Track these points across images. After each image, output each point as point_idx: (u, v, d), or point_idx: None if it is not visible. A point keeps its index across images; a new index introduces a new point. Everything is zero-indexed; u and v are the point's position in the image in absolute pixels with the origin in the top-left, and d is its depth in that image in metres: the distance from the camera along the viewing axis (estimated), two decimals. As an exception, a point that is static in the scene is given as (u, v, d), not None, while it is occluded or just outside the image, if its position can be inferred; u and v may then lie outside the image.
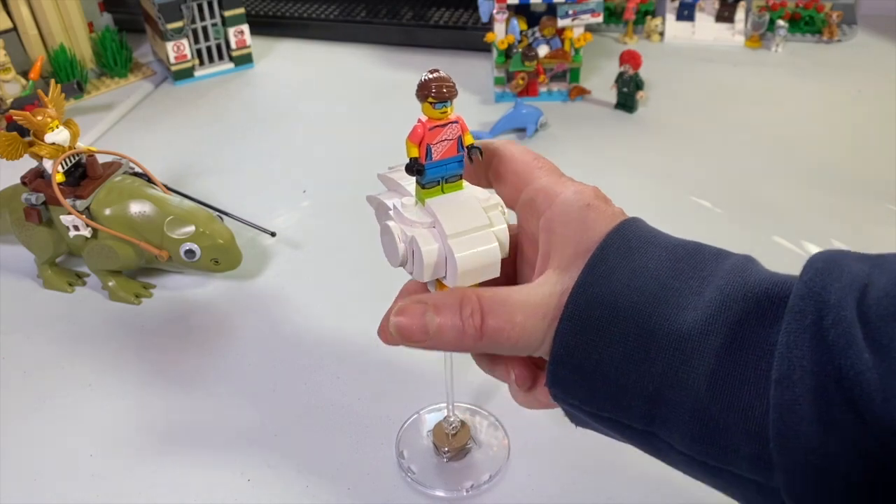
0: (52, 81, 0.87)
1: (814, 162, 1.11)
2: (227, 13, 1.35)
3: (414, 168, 0.47)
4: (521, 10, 1.25)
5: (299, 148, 1.18)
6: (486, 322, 0.42)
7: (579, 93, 1.28)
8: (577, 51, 1.25)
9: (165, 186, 0.91)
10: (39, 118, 0.82)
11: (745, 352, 0.37)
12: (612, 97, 1.26)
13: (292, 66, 1.44)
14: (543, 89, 1.29)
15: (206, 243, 0.84)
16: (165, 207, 0.85)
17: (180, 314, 0.87)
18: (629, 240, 0.44)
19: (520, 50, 1.24)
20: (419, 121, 0.47)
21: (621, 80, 1.23)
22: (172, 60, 1.34)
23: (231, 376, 0.79)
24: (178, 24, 1.31)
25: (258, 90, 1.36)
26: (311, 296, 0.89)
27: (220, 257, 0.86)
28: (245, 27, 1.38)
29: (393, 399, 0.75)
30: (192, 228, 0.84)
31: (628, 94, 1.23)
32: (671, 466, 0.42)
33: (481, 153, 0.48)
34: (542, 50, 1.25)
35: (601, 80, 1.30)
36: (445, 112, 0.46)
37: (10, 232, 0.91)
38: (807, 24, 1.47)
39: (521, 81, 1.26)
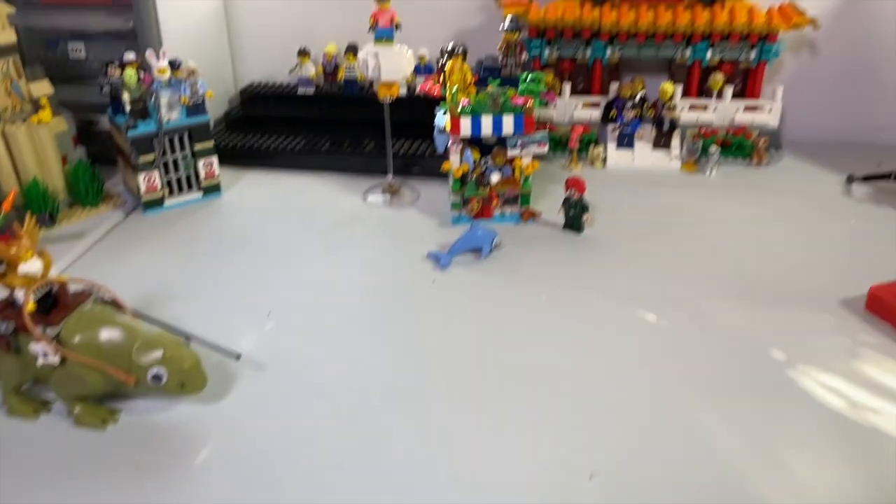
0: (28, 213, 0.92)
1: (751, 276, 1.19)
2: (198, 146, 1.43)
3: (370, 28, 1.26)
4: (474, 142, 1.35)
5: (264, 273, 1.23)
6: None
7: (530, 215, 1.36)
8: (526, 178, 1.34)
9: (134, 312, 0.95)
10: (13, 250, 0.86)
11: None
12: (561, 219, 1.34)
13: (259, 195, 1.51)
14: (497, 212, 1.37)
15: (173, 367, 0.87)
16: (134, 333, 0.88)
17: (146, 440, 0.88)
18: None
19: (474, 177, 1.33)
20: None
21: (568, 203, 1.32)
22: (143, 191, 1.40)
23: None
24: (150, 157, 1.38)
25: (225, 218, 1.41)
26: (276, 417, 0.91)
27: (187, 381, 0.88)
28: (214, 158, 1.46)
29: (355, 517, 0.76)
30: (159, 353, 0.87)
31: (575, 216, 1.31)
32: None
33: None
34: (495, 177, 1.33)
35: (550, 203, 1.39)
36: (385, 6, 1.25)
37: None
38: (737, 149, 1.60)
39: (476, 205, 1.34)
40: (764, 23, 1.51)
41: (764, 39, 1.55)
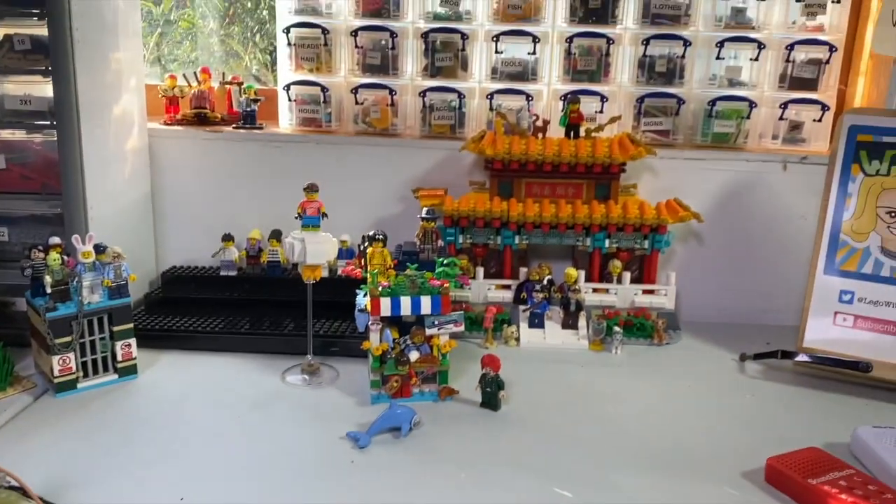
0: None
1: (658, 450, 1.25)
2: (117, 328, 1.43)
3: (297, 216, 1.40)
4: (394, 321, 1.41)
5: (178, 456, 1.20)
6: None
7: (448, 393, 1.40)
8: (444, 356, 1.40)
9: (41, 499, 0.91)
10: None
11: None
12: (478, 396, 1.38)
13: (176, 377, 1.49)
14: (416, 390, 1.41)
15: (79, 557, 0.83)
16: (39, 521, 0.85)
17: None
18: None
19: (393, 355, 1.37)
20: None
21: (484, 381, 1.37)
22: (56, 373, 1.37)
23: None
24: (67, 339, 1.37)
25: (140, 400, 1.39)
26: None
27: (93, 571, 0.84)
28: (132, 340, 1.45)
29: None
30: (66, 542, 0.83)
31: (492, 393, 1.36)
32: None
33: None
34: (414, 355, 1.38)
35: (468, 380, 1.44)
36: (313, 197, 1.38)
37: None
38: (639, 329, 1.72)
39: (395, 384, 1.37)
40: (653, 216, 1.69)
41: (655, 230, 1.71)
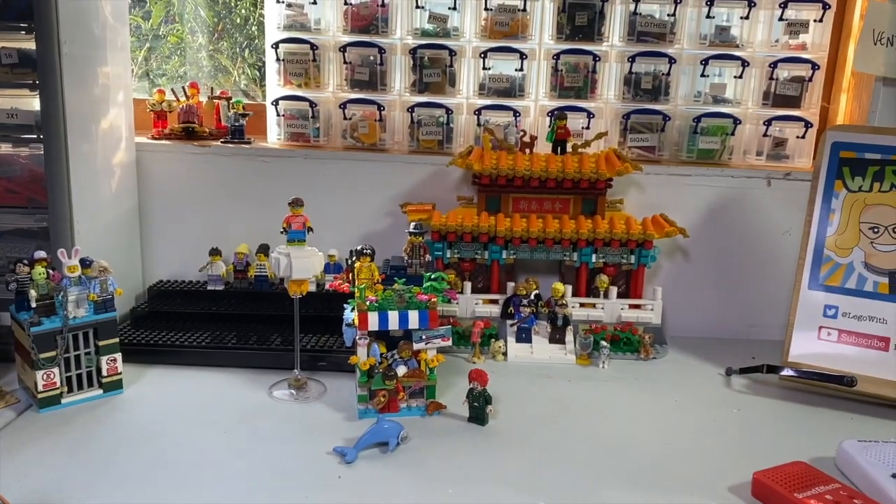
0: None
1: (645, 464, 1.25)
2: (102, 343, 1.42)
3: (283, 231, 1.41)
4: (381, 336, 1.40)
5: (164, 472, 1.19)
6: None
7: (436, 408, 1.40)
8: (431, 370, 1.40)
9: (23, 516, 0.90)
10: None
11: None
12: (466, 411, 1.38)
13: (161, 392, 1.48)
14: (403, 405, 1.40)
15: (62, 574, 0.82)
16: (22, 538, 0.84)
17: None
18: None
19: (381, 370, 1.37)
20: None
21: (472, 395, 1.37)
22: (40, 388, 1.36)
23: None
24: (52, 354, 1.36)
25: (125, 416, 1.38)
26: None
27: (75, 589, 0.83)
28: (118, 355, 1.44)
29: None
30: (48, 558, 0.82)
31: (479, 408, 1.36)
32: None
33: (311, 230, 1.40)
34: (401, 370, 1.38)
35: (455, 395, 1.44)
36: (298, 212, 1.37)
37: None
38: (625, 344, 1.72)
39: (382, 398, 1.37)
40: (639, 231, 1.70)
41: (641, 245, 1.72)
